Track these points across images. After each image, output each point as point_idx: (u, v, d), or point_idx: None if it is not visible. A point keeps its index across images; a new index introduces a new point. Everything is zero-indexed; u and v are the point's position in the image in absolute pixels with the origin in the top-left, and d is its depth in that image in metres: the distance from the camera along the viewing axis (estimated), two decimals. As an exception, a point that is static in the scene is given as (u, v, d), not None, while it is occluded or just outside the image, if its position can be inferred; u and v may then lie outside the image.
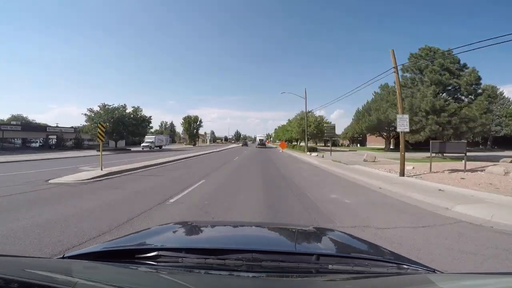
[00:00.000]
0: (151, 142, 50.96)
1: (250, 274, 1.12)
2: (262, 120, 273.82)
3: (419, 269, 1.26)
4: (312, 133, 38.47)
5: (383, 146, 45.51)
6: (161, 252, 1.27)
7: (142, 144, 49.23)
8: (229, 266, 1.17)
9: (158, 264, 1.21)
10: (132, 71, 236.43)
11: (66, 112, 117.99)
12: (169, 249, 1.31)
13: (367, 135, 56.76)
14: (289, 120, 54.33)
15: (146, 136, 53.61)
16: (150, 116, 43.59)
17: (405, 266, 1.27)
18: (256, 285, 1.11)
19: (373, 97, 38.33)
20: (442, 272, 1.34)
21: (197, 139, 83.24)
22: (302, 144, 52.05)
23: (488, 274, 1.67)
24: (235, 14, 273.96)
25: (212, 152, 35.57)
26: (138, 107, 42.24)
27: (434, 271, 1.28)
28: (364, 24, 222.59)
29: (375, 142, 56.63)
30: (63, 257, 1.28)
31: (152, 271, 1.16)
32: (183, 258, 1.22)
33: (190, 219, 4.87)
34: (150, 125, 47.67)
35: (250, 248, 1.32)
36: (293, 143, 61.21)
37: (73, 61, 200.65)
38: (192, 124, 79.42)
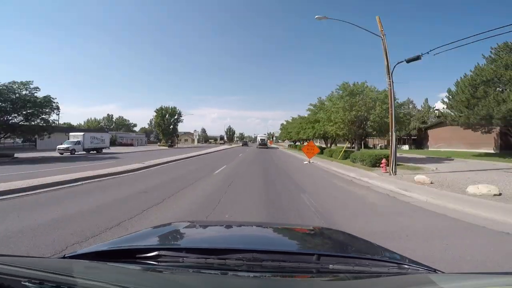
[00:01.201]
0: (75, 143, 29.63)
1: (251, 274, 1.11)
2: (262, 119, 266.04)
3: (420, 269, 1.25)
4: (379, 123, 17.59)
5: (464, 149, 25.19)
6: (161, 252, 1.25)
7: (58, 147, 30.49)
8: (230, 266, 1.17)
9: (159, 264, 1.20)
10: (132, 71, 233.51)
11: (66, 111, 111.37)
12: (170, 249, 1.31)
13: (428, 131, 35.58)
14: (316, 104, 28.22)
15: (70, 134, 32.29)
16: (49, 97, 22.30)
17: (406, 266, 1.25)
18: (256, 285, 1.10)
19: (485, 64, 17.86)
20: (443, 272, 1.32)
21: (175, 138, 61.95)
22: (338, 146, 30.77)
23: (490, 274, 1.63)
24: (235, 14, 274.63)
25: (163, 163, 17.42)
26: (28, 82, 21.00)
27: (435, 271, 1.26)
28: (364, 23, 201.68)
29: (444, 141, 35.15)
30: (63, 257, 1.28)
31: (153, 271, 1.15)
32: (184, 258, 1.21)
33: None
34: (56, 115, 27.56)
35: (251, 248, 1.30)
36: (305, 143, 40.46)
37: (72, 61, 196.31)
38: (166, 118, 58.05)
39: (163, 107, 58.77)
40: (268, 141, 70.61)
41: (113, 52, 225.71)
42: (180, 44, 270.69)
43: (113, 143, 60.03)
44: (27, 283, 0.79)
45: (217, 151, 38.53)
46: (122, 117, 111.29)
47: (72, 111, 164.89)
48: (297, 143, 52.79)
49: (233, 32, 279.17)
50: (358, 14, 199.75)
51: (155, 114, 59.05)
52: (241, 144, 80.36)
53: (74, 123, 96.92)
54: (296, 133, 41.44)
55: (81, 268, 1.12)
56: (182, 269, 1.16)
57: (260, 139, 57.74)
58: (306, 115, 35.39)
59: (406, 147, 43.73)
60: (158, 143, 62.77)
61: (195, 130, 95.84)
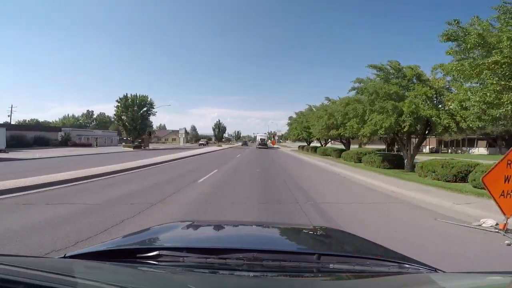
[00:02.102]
0: None
1: (251, 274, 1.09)
2: (262, 119, 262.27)
3: (421, 268, 1.23)
4: None
5: None
6: (162, 252, 1.23)
7: None
8: (230, 266, 1.15)
9: (159, 263, 1.18)
10: (132, 71, 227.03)
11: (66, 110, 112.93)
12: (170, 249, 1.29)
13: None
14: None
15: None
16: None
17: (406, 265, 1.24)
18: (257, 284, 1.09)
19: None
20: (444, 272, 1.31)
21: (148, 136, 46.87)
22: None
23: (490, 274, 1.53)
24: (235, 14, 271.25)
25: None
26: None
27: (435, 270, 1.25)
28: (364, 23, 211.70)
29: None
30: (64, 257, 1.26)
31: (153, 271, 1.14)
32: (184, 258, 1.19)
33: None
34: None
35: (251, 247, 1.28)
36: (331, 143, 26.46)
37: (72, 61, 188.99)
38: (133, 109, 42.99)
39: (128, 95, 43.53)
40: (270, 141, 66.42)
41: (113, 52, 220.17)
42: (180, 44, 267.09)
43: (65, 142, 45.03)
44: (26, 284, 0.76)
45: (186, 157, 23.44)
46: (104, 113, 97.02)
47: (71, 110, 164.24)
48: (313, 144, 37.64)
49: (233, 32, 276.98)
50: (358, 14, 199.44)
51: (117, 104, 43.71)
52: (231, 146, 67.41)
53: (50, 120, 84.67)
54: (324, 128, 22.93)
55: (81, 268, 1.10)
56: (183, 269, 1.14)
57: (260, 139, 54.41)
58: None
59: (480, 150, 28.97)
60: (123, 143, 47.73)
61: (181, 128, 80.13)
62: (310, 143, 38.96)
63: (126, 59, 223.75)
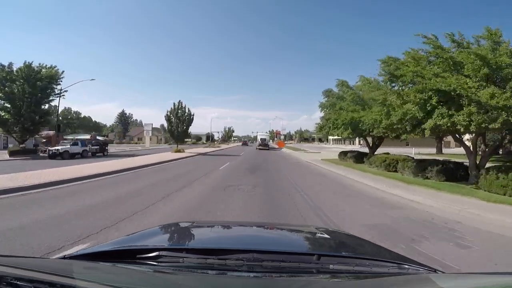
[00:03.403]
0: None
1: (251, 274, 1.09)
2: (263, 119, 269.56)
3: (420, 269, 1.24)
4: None
5: None
6: (162, 252, 1.22)
7: None
8: (230, 266, 1.14)
9: (159, 264, 1.17)
10: (132, 71, 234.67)
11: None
12: (170, 249, 1.27)
13: None
14: None
15: None
16: None
17: (406, 266, 1.24)
18: (257, 285, 1.08)
19: None
20: (443, 272, 1.30)
21: (56, 133, 26.28)
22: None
23: (490, 274, 1.57)
24: (235, 14, 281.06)
25: None
26: None
27: (435, 271, 1.25)
28: (364, 24, 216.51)
29: None
30: (63, 257, 1.24)
31: (153, 271, 1.13)
32: (184, 258, 1.18)
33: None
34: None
35: (251, 248, 1.27)
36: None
37: (71, 60, 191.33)
38: (22, 86, 22.20)
39: (14, 65, 22.67)
40: (274, 141, 62.91)
41: (113, 52, 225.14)
42: (181, 44, 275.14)
43: None
44: (25, 285, 0.76)
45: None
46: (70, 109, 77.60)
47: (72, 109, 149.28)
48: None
49: (234, 33, 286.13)
50: (358, 14, 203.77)
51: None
52: (206, 151, 30.69)
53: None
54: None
55: (81, 269, 1.08)
56: (182, 270, 1.13)
57: (261, 139, 51.74)
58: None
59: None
60: (7, 150, 27.25)
61: (147, 124, 57.25)
62: (379, 139, 17.73)
63: (125, 58, 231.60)
